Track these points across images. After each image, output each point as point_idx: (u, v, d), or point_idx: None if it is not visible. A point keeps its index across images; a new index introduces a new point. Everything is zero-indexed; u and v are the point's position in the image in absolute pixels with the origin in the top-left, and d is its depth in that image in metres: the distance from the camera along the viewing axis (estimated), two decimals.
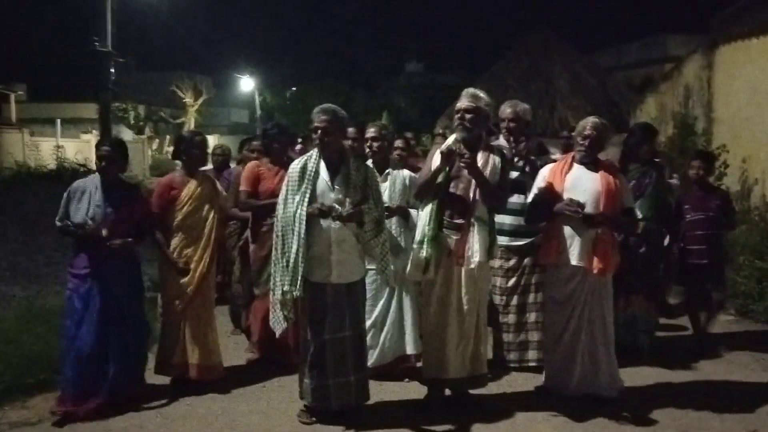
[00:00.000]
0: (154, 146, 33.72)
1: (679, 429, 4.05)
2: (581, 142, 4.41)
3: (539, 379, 4.64)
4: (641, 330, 5.21)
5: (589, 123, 4.43)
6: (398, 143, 5.50)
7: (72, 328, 4.20)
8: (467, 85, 4.69)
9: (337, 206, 3.94)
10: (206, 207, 4.64)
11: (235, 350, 5.44)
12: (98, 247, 4.19)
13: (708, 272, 5.37)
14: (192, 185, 4.62)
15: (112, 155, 4.32)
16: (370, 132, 4.88)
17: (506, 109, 5.06)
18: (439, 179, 4.13)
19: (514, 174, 4.92)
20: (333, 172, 4.05)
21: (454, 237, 4.11)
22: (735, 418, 4.19)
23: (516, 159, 4.97)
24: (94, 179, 4.35)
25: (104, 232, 4.16)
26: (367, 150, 4.88)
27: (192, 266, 4.57)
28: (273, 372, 4.93)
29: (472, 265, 4.08)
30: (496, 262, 4.97)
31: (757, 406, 4.35)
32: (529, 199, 4.55)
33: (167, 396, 4.46)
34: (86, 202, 4.25)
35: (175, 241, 4.58)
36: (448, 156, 4.06)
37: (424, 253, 4.10)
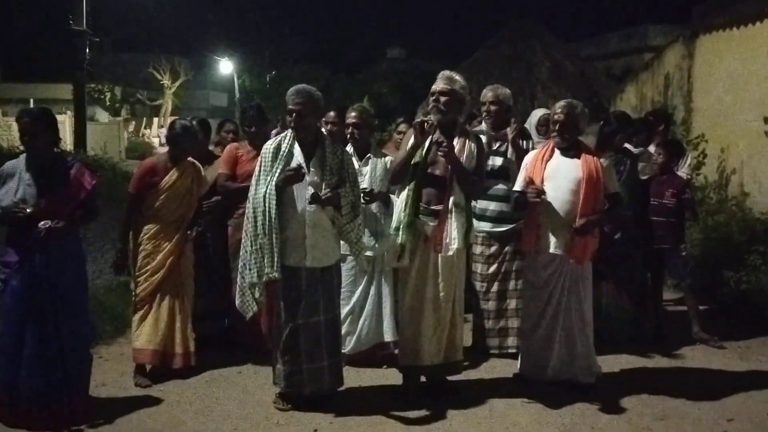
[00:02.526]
0: (131, 128, 33.23)
1: (656, 416, 4.06)
2: (553, 128, 4.37)
3: (518, 366, 4.62)
4: (612, 318, 5.22)
5: (558, 107, 4.36)
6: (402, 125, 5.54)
7: (2, 325, 3.76)
8: None
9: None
10: (183, 198, 4.52)
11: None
12: (28, 231, 3.64)
13: (665, 257, 5.41)
14: (174, 175, 4.49)
15: (34, 128, 3.73)
16: (351, 117, 4.79)
17: (487, 93, 5.03)
18: (416, 159, 4.06)
19: (498, 160, 4.89)
20: (308, 155, 3.97)
21: (431, 223, 4.06)
22: (712, 406, 4.20)
23: (499, 144, 4.93)
24: (24, 158, 3.83)
25: (28, 210, 3.61)
26: (348, 136, 4.80)
27: (161, 254, 4.46)
28: (248, 358, 4.86)
29: (450, 252, 4.05)
30: (477, 249, 4.95)
31: (734, 393, 4.37)
32: (516, 186, 4.51)
33: (117, 410, 4.02)
34: (15, 182, 3.72)
35: (147, 227, 4.48)
36: (421, 129, 3.99)
37: (399, 240, 4.06)
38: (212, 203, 4.95)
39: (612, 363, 4.85)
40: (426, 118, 4.04)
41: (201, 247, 4.94)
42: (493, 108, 4.98)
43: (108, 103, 34.65)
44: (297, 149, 3.97)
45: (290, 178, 3.85)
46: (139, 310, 4.51)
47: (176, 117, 8.12)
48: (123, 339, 5.26)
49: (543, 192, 4.22)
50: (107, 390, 4.35)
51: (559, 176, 4.29)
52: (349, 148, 4.71)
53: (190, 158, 4.67)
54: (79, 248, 4.03)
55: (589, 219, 4.20)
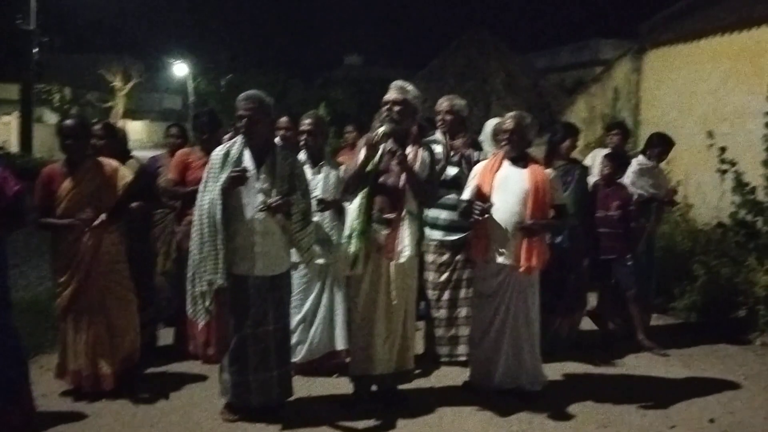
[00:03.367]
0: None
1: (600, 423, 4.13)
2: (503, 137, 4.43)
3: (468, 374, 4.65)
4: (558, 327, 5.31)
5: (507, 116, 4.45)
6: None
7: None
8: (405, 80, 4.64)
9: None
10: (90, 204, 4.09)
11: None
12: None
13: (612, 267, 5.51)
14: (71, 182, 4.09)
15: None
16: (305, 125, 4.77)
17: (443, 103, 5.09)
18: (368, 168, 4.07)
19: (453, 170, 4.93)
20: (258, 162, 3.92)
21: (384, 231, 4.06)
22: (656, 413, 4.29)
23: (452, 154, 4.97)
24: None
25: None
26: (302, 143, 4.78)
27: (69, 268, 4.12)
28: (194, 367, 4.78)
29: (403, 259, 4.05)
30: (429, 257, 4.97)
31: (677, 401, 4.47)
32: (464, 195, 4.54)
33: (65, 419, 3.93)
34: None
35: (53, 240, 4.19)
36: (372, 146, 4.00)
37: (352, 248, 4.04)
38: (136, 207, 4.44)
39: (557, 370, 4.92)
40: (375, 134, 4.04)
41: (137, 254, 4.72)
42: (448, 117, 5.03)
43: (57, 105, 33.74)
44: (247, 155, 3.92)
45: (235, 180, 3.78)
46: (60, 326, 4.27)
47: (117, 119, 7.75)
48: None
49: (488, 210, 4.25)
50: (48, 401, 4.20)
51: (507, 186, 4.34)
52: (303, 156, 4.69)
53: (101, 159, 4.31)
54: (1, 258, 3.68)
55: (538, 221, 4.27)
